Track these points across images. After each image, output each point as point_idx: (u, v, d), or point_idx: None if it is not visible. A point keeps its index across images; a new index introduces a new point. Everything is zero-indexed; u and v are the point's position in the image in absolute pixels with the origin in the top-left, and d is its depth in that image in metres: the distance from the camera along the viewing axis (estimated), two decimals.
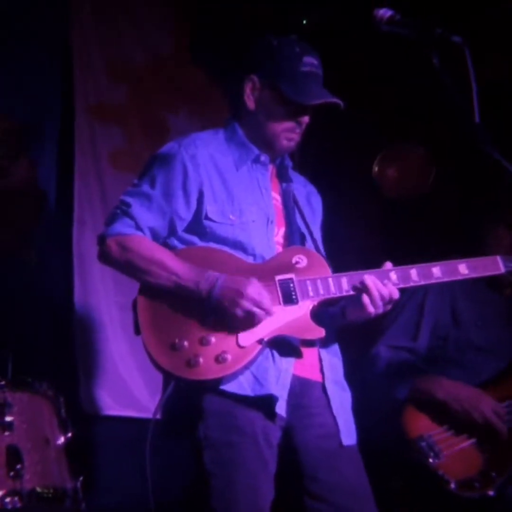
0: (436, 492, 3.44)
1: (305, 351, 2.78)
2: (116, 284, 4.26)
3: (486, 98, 2.59)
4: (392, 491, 3.60)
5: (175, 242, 2.81)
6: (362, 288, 2.71)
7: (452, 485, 3.37)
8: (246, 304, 2.62)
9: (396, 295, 2.72)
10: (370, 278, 2.71)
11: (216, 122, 4.44)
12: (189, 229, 2.81)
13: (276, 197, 2.93)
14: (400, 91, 4.70)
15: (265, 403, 2.68)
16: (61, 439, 3.20)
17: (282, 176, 2.96)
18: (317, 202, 3.10)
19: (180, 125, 4.53)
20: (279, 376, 2.71)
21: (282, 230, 2.89)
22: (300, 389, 2.77)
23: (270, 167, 2.93)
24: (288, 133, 2.84)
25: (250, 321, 2.64)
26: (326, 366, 2.83)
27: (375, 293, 2.69)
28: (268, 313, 2.64)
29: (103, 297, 4.28)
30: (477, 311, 3.76)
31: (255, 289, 2.63)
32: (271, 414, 2.69)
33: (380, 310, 2.72)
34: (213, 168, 2.81)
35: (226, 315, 2.65)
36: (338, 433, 2.78)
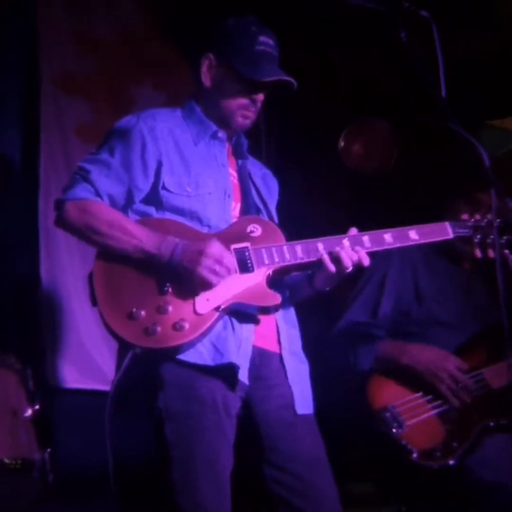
0: (397, 462, 3.49)
1: (263, 321, 2.81)
2: (82, 256, 4.24)
3: (453, 74, 2.62)
4: (354, 461, 3.65)
5: (131, 214, 2.82)
6: (334, 256, 2.77)
7: (415, 455, 3.41)
8: (208, 262, 2.64)
9: (366, 262, 2.81)
10: (342, 249, 2.77)
11: (182, 96, 4.48)
12: (146, 200, 2.82)
13: (232, 174, 2.96)
14: (367, 66, 4.72)
15: (226, 372, 2.70)
16: (29, 411, 3.21)
17: (238, 154, 3.00)
18: (273, 184, 3.14)
19: (146, 99, 4.51)
20: (240, 345, 2.74)
21: (238, 205, 2.93)
22: (260, 360, 2.80)
23: (227, 144, 2.97)
24: (243, 110, 2.88)
25: (211, 280, 2.66)
26: (283, 336, 2.86)
27: (347, 260, 2.77)
28: (229, 271, 2.67)
29: (69, 270, 4.26)
30: (438, 286, 3.79)
31: (216, 248, 2.66)
32: (232, 383, 2.72)
33: (345, 275, 2.80)
34: (171, 141, 2.84)
35: (186, 278, 2.66)
36: (293, 403, 2.82)
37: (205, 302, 2.69)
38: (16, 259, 4.17)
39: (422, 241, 2.91)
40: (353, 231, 2.86)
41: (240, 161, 2.99)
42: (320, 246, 2.80)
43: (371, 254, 3.77)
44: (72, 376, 4.21)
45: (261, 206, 2.97)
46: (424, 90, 2.65)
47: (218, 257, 2.66)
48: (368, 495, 3.82)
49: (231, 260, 2.70)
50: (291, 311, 2.95)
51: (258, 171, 3.09)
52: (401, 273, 3.79)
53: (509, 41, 4.30)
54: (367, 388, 3.57)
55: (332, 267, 2.77)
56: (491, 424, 3.46)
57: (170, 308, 2.66)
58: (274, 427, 2.80)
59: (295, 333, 2.94)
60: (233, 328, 2.75)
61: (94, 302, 2.72)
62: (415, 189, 4.53)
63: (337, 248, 2.79)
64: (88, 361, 4.26)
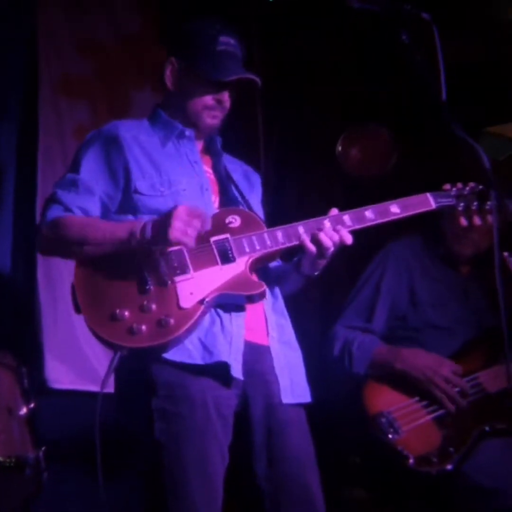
0: (394, 467, 3.48)
1: (252, 314, 2.80)
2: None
3: (453, 77, 2.63)
4: (351, 466, 3.65)
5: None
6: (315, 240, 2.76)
7: (411, 461, 3.40)
8: (178, 223, 2.60)
9: (349, 240, 2.78)
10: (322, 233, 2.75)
11: None
12: (121, 209, 2.82)
13: (208, 170, 2.96)
14: (365, 71, 4.73)
15: (217, 370, 2.68)
16: (24, 410, 3.20)
17: (211, 152, 3.01)
18: (255, 178, 3.14)
19: (144, 102, 4.50)
20: (231, 341, 2.72)
21: (217, 200, 2.93)
22: (252, 355, 2.77)
23: (199, 143, 2.97)
24: (209, 110, 2.88)
25: (185, 241, 2.62)
26: (271, 326, 2.85)
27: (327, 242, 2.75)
28: (203, 226, 2.64)
29: (66, 270, 4.24)
30: (434, 290, 3.79)
31: (183, 209, 2.62)
32: (225, 380, 2.70)
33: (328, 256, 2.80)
34: (137, 147, 2.84)
35: (162, 254, 2.65)
36: (279, 392, 2.79)
37: (189, 296, 2.68)
38: (13, 260, 4.16)
39: (404, 214, 2.88)
40: (334, 211, 2.84)
41: (214, 159, 3.00)
42: (301, 229, 2.79)
43: (368, 259, 3.84)
44: (68, 377, 4.20)
45: (240, 199, 2.96)
46: (424, 93, 2.66)
47: (186, 218, 2.62)
48: (362, 500, 3.81)
49: (198, 222, 2.64)
50: (280, 302, 2.93)
51: (239, 168, 3.09)
52: (397, 278, 3.79)
53: (508, 46, 4.32)
54: (363, 394, 3.56)
55: (313, 249, 2.76)
56: (487, 429, 3.46)
57: (153, 306, 2.65)
58: (267, 425, 2.78)
59: (285, 322, 2.92)
60: (222, 323, 2.73)
61: (77, 309, 2.70)
62: (412, 193, 4.53)
63: (317, 230, 2.77)
64: (84, 362, 4.24)
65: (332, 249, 2.78)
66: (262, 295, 2.77)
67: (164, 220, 2.63)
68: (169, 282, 2.68)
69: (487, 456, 3.44)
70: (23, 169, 4.33)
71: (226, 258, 2.75)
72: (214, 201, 2.91)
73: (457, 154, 2.97)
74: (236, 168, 3.06)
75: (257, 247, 2.77)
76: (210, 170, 2.98)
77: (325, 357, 3.74)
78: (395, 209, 2.87)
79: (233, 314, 2.76)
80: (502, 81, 4.39)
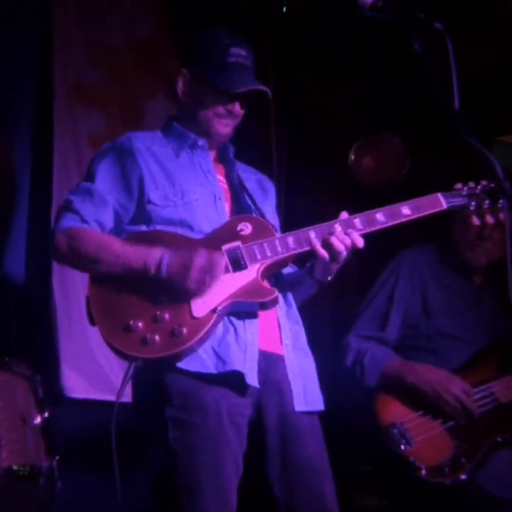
0: (406, 478, 3.48)
1: (265, 321, 2.80)
2: None
3: (466, 86, 2.63)
4: (363, 476, 3.64)
5: (124, 236, 2.82)
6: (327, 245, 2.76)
7: (423, 472, 3.40)
8: (195, 275, 2.63)
9: (360, 244, 2.77)
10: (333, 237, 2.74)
11: None
12: (134, 220, 2.84)
13: (221, 179, 2.97)
14: (377, 79, 4.73)
15: (232, 379, 2.68)
16: (38, 419, 3.21)
17: (224, 160, 3.02)
18: (269, 186, 3.14)
19: (157, 109, 4.52)
20: (246, 350, 2.72)
21: (229, 208, 2.93)
22: (266, 363, 2.77)
23: (212, 153, 2.98)
24: (220, 118, 2.89)
25: (202, 290, 2.66)
26: (285, 333, 2.84)
27: (339, 246, 2.75)
28: (218, 277, 2.65)
29: (80, 279, 4.26)
30: (447, 298, 3.79)
31: (202, 257, 2.64)
32: (240, 389, 2.70)
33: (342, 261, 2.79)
34: (150, 157, 2.86)
35: (177, 289, 2.66)
36: (292, 400, 2.79)
37: (202, 305, 2.68)
38: (27, 267, 4.17)
39: (415, 216, 2.84)
40: (344, 215, 2.83)
41: (228, 167, 3.01)
42: (312, 234, 2.78)
43: (381, 267, 3.83)
44: (83, 386, 4.21)
45: (252, 207, 2.96)
46: (437, 101, 2.65)
47: (205, 266, 2.64)
48: (374, 508, 3.81)
49: (220, 264, 2.67)
50: (294, 309, 2.92)
51: (252, 176, 3.09)
52: (410, 287, 3.78)
53: None
54: (375, 405, 3.57)
55: (325, 254, 2.76)
56: (500, 439, 3.45)
57: (166, 316, 2.66)
58: (281, 432, 2.78)
59: (299, 329, 2.91)
60: (236, 331, 2.73)
61: (92, 322, 2.73)
62: None
63: (328, 234, 2.77)
64: (99, 371, 4.25)
65: (344, 253, 2.77)
66: (274, 302, 2.78)
67: (181, 267, 2.64)
68: (182, 290, 2.68)
69: (499, 465, 3.44)
70: (38, 175, 4.34)
71: (238, 265, 2.75)
72: (227, 209, 2.92)
73: (470, 163, 2.96)
74: (249, 176, 3.07)
75: (269, 254, 2.77)
76: (223, 179, 2.99)
77: (338, 367, 3.73)
78: (406, 211, 2.85)
79: (247, 322, 2.76)
80: None
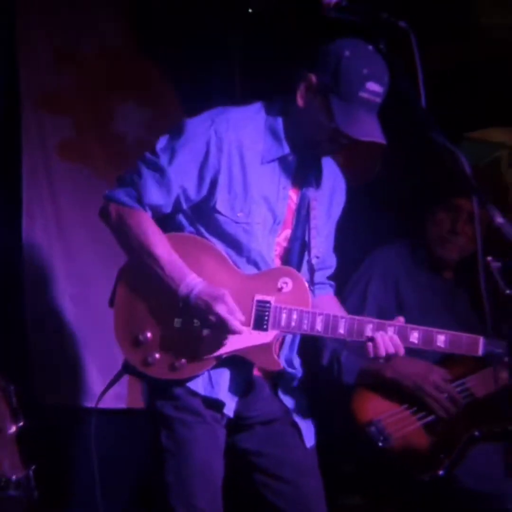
0: (387, 475, 3.49)
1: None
2: (68, 276, 4.23)
3: (433, 84, 2.64)
4: (345, 475, 3.65)
5: (181, 217, 2.82)
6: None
7: (403, 468, 3.42)
8: (212, 320, 2.68)
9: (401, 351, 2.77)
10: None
11: (164, 114, 4.49)
12: (193, 210, 2.82)
13: (292, 197, 2.90)
14: None
15: (212, 404, 2.76)
16: (13, 428, 3.18)
17: (305, 180, 2.92)
18: (340, 196, 3.07)
19: (128, 115, 4.49)
20: (235, 380, 2.78)
21: (287, 232, 2.89)
22: (255, 384, 2.84)
23: (295, 168, 2.88)
24: (328, 143, 2.82)
25: (219, 330, 2.69)
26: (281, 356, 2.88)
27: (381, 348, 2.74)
28: (236, 328, 2.67)
29: (54, 286, 4.24)
30: (420, 295, 3.82)
31: (224, 308, 2.66)
32: (216, 414, 2.77)
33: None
34: (237, 156, 2.78)
35: (198, 318, 2.71)
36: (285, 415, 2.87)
37: (209, 346, 2.72)
38: (1, 282, 4.14)
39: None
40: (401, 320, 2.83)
41: (304, 189, 2.91)
42: (341, 329, 2.76)
43: (354, 267, 3.84)
44: (59, 393, 4.19)
45: (306, 239, 2.91)
46: (404, 100, 2.66)
47: (224, 318, 2.66)
48: (357, 507, 3.81)
49: (234, 324, 2.67)
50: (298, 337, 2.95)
51: (330, 184, 3.00)
52: (383, 285, 3.80)
53: (486, 51, 4.34)
54: (352, 403, 3.58)
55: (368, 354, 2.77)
56: (477, 434, 3.47)
57: (176, 342, 2.72)
58: (261, 434, 2.84)
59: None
60: (233, 362, 2.77)
61: (111, 302, 2.81)
62: (398, 199, 4.55)
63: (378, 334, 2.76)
64: (77, 380, 4.23)
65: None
66: (275, 372, 2.82)
67: (205, 306, 2.67)
68: (198, 327, 2.73)
69: (478, 460, 3.46)
70: (7, 188, 4.28)
71: (260, 325, 2.74)
72: (280, 234, 2.87)
73: (439, 160, 2.97)
74: (324, 189, 2.97)
75: (292, 325, 2.75)
76: (294, 197, 2.90)
77: (314, 366, 3.74)
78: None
79: (246, 362, 2.79)
80: (481, 86, 4.41)
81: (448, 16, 4.19)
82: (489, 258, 2.46)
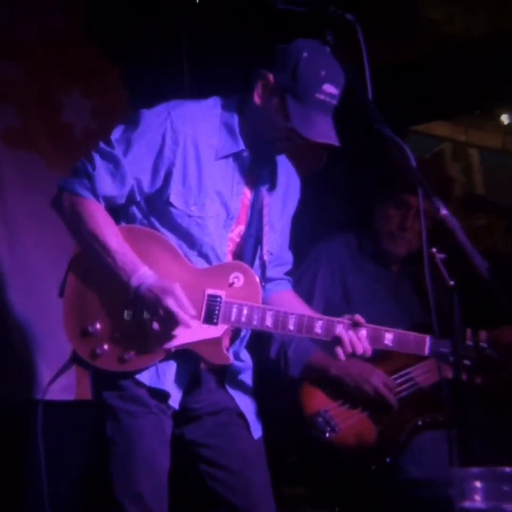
0: (332, 465, 3.52)
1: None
2: (13, 267, 4.16)
3: (379, 77, 2.66)
4: (289, 466, 3.67)
5: (134, 209, 2.81)
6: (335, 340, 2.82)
7: (348, 458, 3.45)
8: (161, 314, 2.67)
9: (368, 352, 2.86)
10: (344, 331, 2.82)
11: (110, 101, 4.45)
12: (148, 200, 2.80)
13: (246, 193, 2.90)
14: None
15: (158, 395, 2.76)
16: None
17: (260, 177, 2.92)
18: (294, 193, 3.08)
19: (75, 105, 4.44)
20: (182, 372, 2.79)
21: (241, 228, 2.89)
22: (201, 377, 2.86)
23: (250, 164, 2.88)
24: (282, 142, 2.82)
25: (169, 323, 2.68)
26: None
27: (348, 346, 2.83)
28: (185, 322, 2.67)
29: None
30: (367, 286, 3.85)
31: (173, 300, 2.65)
32: (161, 404, 2.78)
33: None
34: (192, 149, 2.77)
35: (147, 311, 2.70)
36: (236, 407, 2.88)
37: (158, 339, 2.72)
38: None
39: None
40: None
41: (260, 186, 2.92)
42: (291, 325, 2.78)
43: (301, 258, 3.85)
44: (8, 386, 4.14)
45: (260, 235, 2.91)
46: (350, 93, 2.68)
47: (173, 311, 2.66)
48: (302, 497, 3.84)
49: (184, 317, 2.67)
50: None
51: (283, 181, 3.00)
52: (329, 277, 3.82)
53: (431, 44, 4.38)
54: (299, 394, 3.60)
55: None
56: (420, 422, 3.52)
57: (125, 334, 2.71)
58: (209, 425, 2.85)
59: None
60: (181, 355, 2.77)
61: (61, 293, 2.79)
62: (346, 193, 4.57)
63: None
64: (25, 372, 4.17)
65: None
66: (225, 366, 2.83)
67: (154, 299, 2.65)
68: (148, 319, 2.71)
69: (421, 448, 3.50)
70: None
71: (210, 319, 2.75)
72: (233, 230, 2.87)
73: (385, 153, 2.99)
74: (279, 187, 2.97)
75: (242, 320, 2.76)
76: (248, 193, 2.90)
77: (262, 358, 3.74)
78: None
79: (193, 356, 2.79)
80: (428, 80, 4.45)
81: (394, 9, 4.21)
82: (434, 249, 2.49)
